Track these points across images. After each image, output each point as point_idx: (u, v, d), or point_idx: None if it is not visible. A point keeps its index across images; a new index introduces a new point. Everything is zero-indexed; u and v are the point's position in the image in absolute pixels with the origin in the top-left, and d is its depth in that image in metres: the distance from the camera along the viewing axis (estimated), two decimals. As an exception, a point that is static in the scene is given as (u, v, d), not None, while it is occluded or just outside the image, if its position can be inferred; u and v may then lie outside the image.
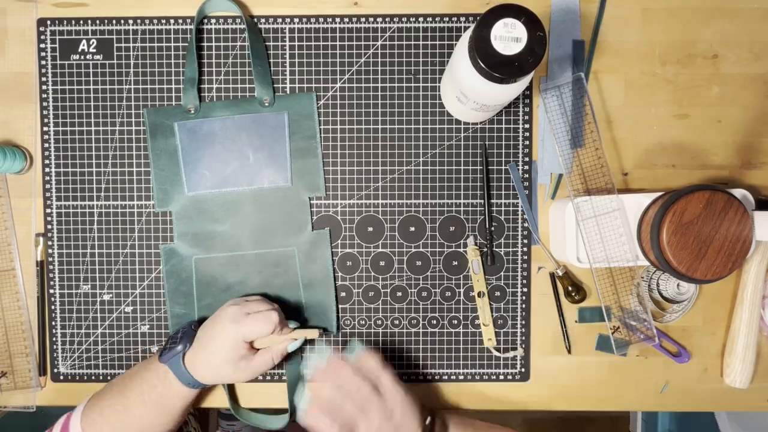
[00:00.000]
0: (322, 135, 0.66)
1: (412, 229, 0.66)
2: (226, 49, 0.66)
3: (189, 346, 0.57)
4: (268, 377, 0.66)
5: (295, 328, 0.60)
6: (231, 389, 0.67)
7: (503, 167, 0.66)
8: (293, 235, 0.65)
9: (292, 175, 0.65)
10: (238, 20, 0.66)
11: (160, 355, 0.57)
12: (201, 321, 0.62)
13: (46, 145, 0.66)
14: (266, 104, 0.65)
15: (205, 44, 0.66)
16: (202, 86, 0.66)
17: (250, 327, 0.56)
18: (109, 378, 0.66)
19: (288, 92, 0.66)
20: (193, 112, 0.65)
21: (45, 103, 0.66)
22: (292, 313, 0.66)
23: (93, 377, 0.66)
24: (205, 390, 0.65)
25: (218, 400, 0.67)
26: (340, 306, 0.67)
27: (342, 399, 0.53)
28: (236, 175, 0.65)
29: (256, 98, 0.65)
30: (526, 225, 0.66)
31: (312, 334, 0.60)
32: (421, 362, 0.67)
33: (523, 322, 0.67)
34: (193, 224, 0.65)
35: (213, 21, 0.66)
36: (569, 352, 0.67)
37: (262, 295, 0.64)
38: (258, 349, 0.59)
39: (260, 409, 0.67)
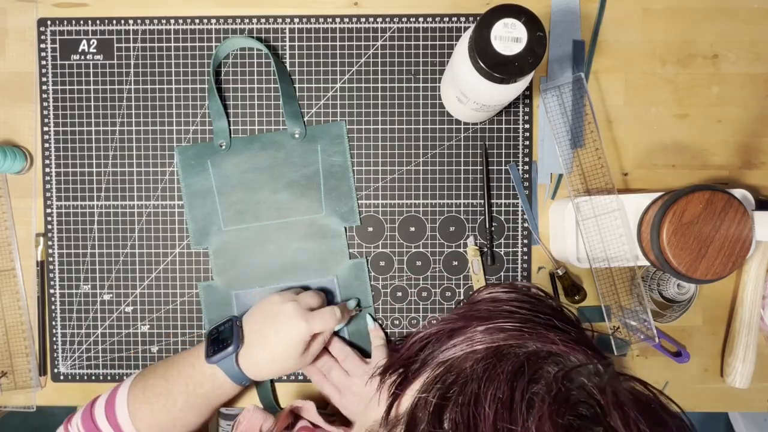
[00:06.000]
0: (322, 135, 0.66)
1: (412, 229, 0.66)
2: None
3: (241, 345, 0.57)
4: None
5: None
6: (273, 391, 0.67)
7: (503, 167, 0.66)
8: (332, 265, 0.65)
9: (325, 206, 0.65)
10: (256, 51, 0.66)
11: (207, 355, 0.56)
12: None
13: (46, 145, 0.66)
14: (297, 136, 0.65)
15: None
16: (230, 120, 0.66)
17: (320, 324, 0.56)
18: (109, 378, 0.66)
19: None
20: (224, 147, 0.65)
21: (45, 103, 0.66)
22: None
23: (93, 377, 0.66)
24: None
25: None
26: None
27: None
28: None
29: (287, 131, 0.65)
30: (526, 225, 0.66)
31: (351, 308, 0.64)
32: (421, 362, 0.67)
33: (523, 322, 0.66)
34: (231, 260, 0.65)
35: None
36: (569, 352, 0.67)
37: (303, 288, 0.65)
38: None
39: None
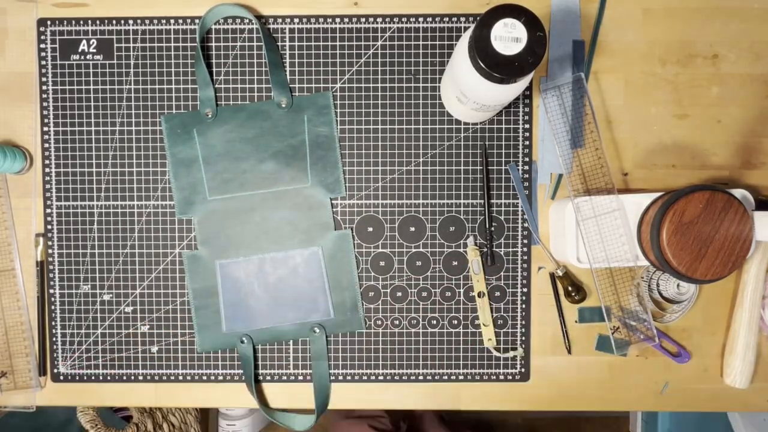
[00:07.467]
0: (322, 135, 0.66)
1: (412, 229, 0.66)
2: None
3: None
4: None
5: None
6: (258, 389, 0.67)
7: (503, 167, 0.66)
8: (316, 236, 0.66)
9: (311, 177, 0.65)
10: (245, 21, 0.66)
11: None
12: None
13: (46, 145, 0.66)
14: (284, 106, 0.65)
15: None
16: (216, 89, 0.66)
17: None
18: (108, 378, 0.66)
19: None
20: (210, 116, 0.65)
21: (45, 103, 0.66)
22: (321, 314, 0.66)
23: (93, 377, 0.66)
24: (205, 388, 0.65)
25: (219, 400, 0.67)
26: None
27: None
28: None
29: (273, 101, 0.65)
30: (526, 225, 0.66)
31: None
32: (421, 362, 0.67)
33: (523, 322, 0.67)
34: (216, 229, 0.65)
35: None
36: (569, 352, 0.67)
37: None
38: None
39: (287, 409, 0.67)
